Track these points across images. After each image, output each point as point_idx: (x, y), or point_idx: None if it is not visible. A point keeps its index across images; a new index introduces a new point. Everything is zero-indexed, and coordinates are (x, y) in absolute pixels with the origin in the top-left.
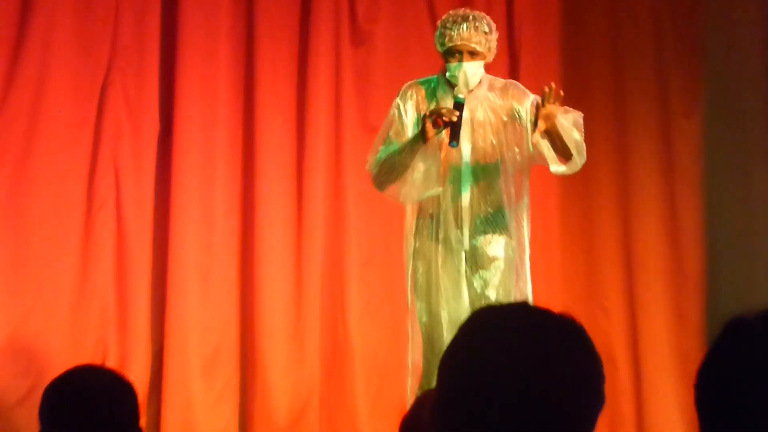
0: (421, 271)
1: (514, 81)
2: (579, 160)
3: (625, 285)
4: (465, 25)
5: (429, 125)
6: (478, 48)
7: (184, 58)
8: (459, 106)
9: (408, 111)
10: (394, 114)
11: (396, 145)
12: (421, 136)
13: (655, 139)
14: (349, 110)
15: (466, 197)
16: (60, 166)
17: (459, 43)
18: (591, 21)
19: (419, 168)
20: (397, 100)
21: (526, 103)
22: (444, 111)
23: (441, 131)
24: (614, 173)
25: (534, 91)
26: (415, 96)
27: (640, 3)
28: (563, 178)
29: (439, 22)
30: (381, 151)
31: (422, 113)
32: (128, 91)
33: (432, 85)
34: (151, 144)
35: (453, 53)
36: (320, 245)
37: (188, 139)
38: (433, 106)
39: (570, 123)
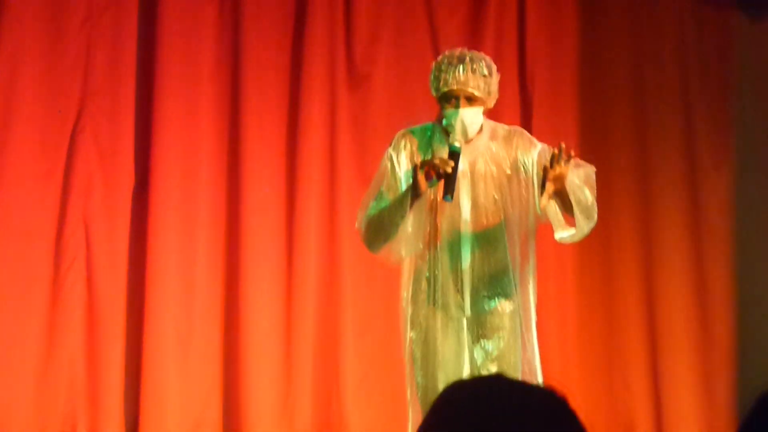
0: (417, 341)
1: (519, 128)
2: (587, 224)
3: (647, 353)
4: (461, 68)
5: (421, 177)
6: (476, 93)
7: (163, 103)
8: (455, 155)
9: (401, 162)
10: (385, 166)
11: (387, 200)
12: (413, 190)
13: (682, 192)
14: (345, 161)
15: (466, 259)
16: (25, 221)
17: (455, 87)
18: (611, 63)
19: (409, 223)
20: (389, 150)
21: (532, 154)
22: (437, 161)
23: (434, 184)
24: (636, 230)
25: (548, 140)
26: (409, 146)
27: (665, 45)
28: None
29: (433, 64)
30: (371, 207)
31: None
32: (100, 138)
33: (428, 134)
34: (125, 197)
35: (449, 98)
36: (312, 313)
37: (166, 192)
38: (429, 153)
39: (581, 180)
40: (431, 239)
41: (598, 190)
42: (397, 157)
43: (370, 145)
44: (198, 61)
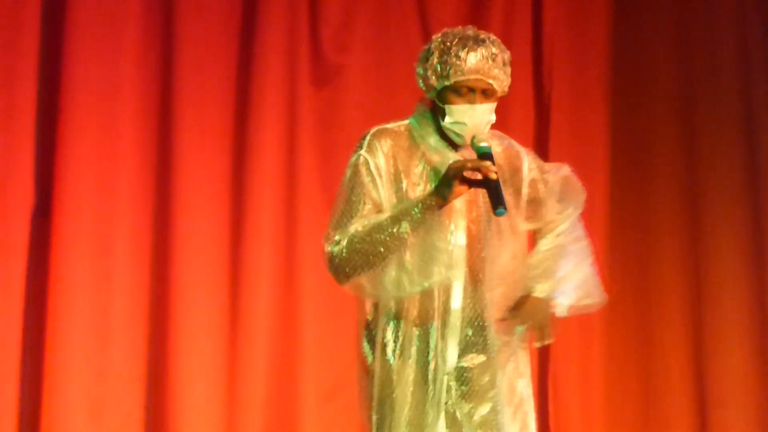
0: (381, 401)
1: (498, 133)
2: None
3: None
4: (481, 52)
5: (459, 185)
6: (495, 85)
7: (70, 105)
8: (488, 158)
9: (381, 167)
10: (360, 173)
11: (378, 217)
12: (441, 198)
13: (739, 207)
14: (308, 175)
15: (457, 297)
16: None
17: (472, 77)
18: (650, 53)
19: (423, 243)
20: (362, 153)
21: (522, 170)
22: (486, 165)
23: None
24: (682, 248)
25: (571, 150)
26: (386, 148)
27: (721, 43)
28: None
29: (432, 44)
30: (352, 227)
31: (405, 169)
32: None
33: (411, 134)
34: (23, 223)
35: (459, 90)
36: (263, 374)
37: (74, 217)
38: (416, 163)
39: (559, 209)
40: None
41: (636, 206)
42: (374, 161)
43: (341, 155)
44: (117, 48)
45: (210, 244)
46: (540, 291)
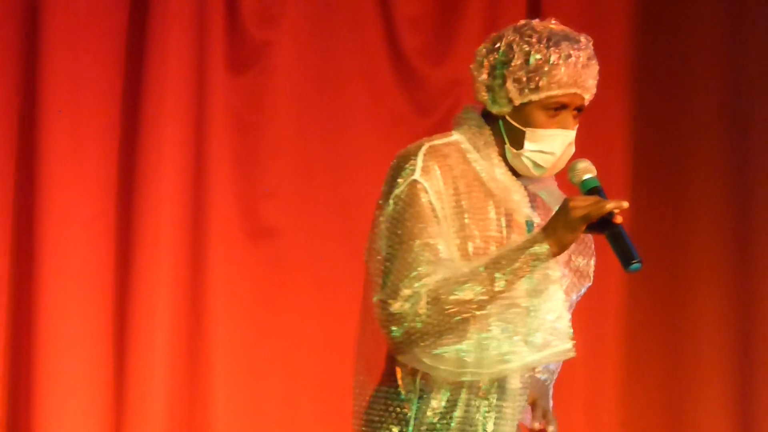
0: None
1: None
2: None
3: None
4: (579, 56)
5: (582, 228)
6: (588, 100)
7: None
8: (600, 193)
9: (442, 195)
10: (420, 204)
11: (457, 263)
12: (558, 246)
13: None
14: (220, 192)
15: (516, 379)
16: None
17: (570, 91)
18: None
19: (528, 306)
20: (417, 177)
21: None
22: (618, 205)
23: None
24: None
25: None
26: (447, 172)
27: None
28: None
29: (507, 41)
30: (429, 275)
31: (468, 203)
32: None
33: (466, 156)
34: None
35: (547, 108)
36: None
37: None
38: (477, 195)
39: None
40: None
41: (665, 218)
42: (436, 189)
43: (267, 161)
44: None
45: (89, 289)
46: (539, 372)
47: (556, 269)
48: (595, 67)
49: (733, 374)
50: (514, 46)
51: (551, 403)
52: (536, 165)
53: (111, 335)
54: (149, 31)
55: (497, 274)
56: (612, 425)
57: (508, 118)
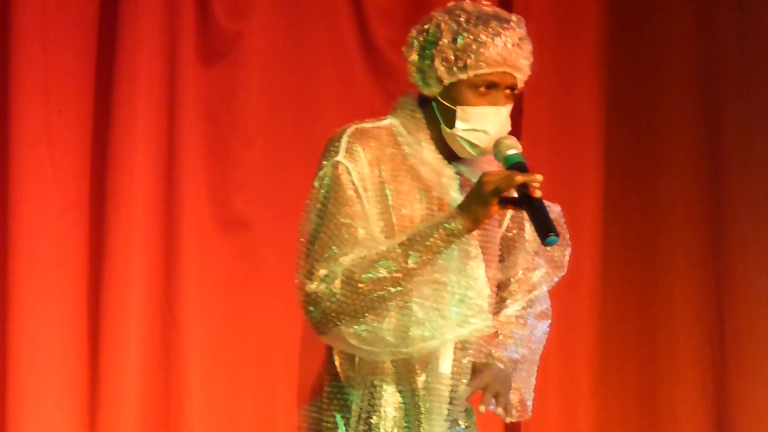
0: None
1: None
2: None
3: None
4: (509, 35)
5: (495, 205)
6: (521, 80)
7: None
8: (523, 169)
9: (366, 179)
10: (341, 185)
11: (374, 243)
12: (472, 221)
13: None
14: (192, 186)
15: (447, 359)
16: None
17: (499, 69)
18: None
19: (447, 281)
20: (340, 159)
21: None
22: (534, 178)
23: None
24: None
25: (551, 159)
26: (371, 153)
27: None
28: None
29: (436, 22)
30: (346, 255)
31: (392, 185)
32: None
33: (397, 139)
34: None
35: (477, 87)
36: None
37: None
38: (402, 178)
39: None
40: None
41: (638, 214)
42: (358, 171)
43: (239, 153)
44: None
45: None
46: (503, 362)
47: (476, 246)
48: (527, 48)
49: (707, 362)
50: (443, 26)
51: (514, 390)
52: (472, 144)
53: (84, 326)
54: (120, 22)
55: (411, 251)
56: (587, 413)
57: (439, 98)
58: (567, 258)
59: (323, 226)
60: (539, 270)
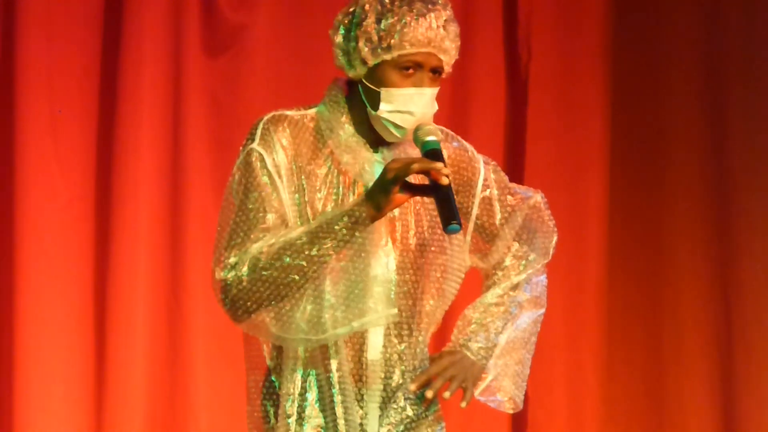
0: None
1: (452, 133)
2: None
3: None
4: (434, 17)
5: (398, 193)
6: (447, 62)
7: None
8: (437, 155)
9: (280, 165)
10: (254, 172)
11: (283, 231)
12: (374, 208)
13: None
14: (197, 177)
15: (375, 346)
16: None
17: (424, 50)
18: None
19: (351, 269)
20: (254, 146)
21: (476, 184)
22: (437, 166)
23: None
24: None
25: (558, 158)
26: (287, 139)
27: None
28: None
29: (361, 4)
30: (255, 242)
31: (307, 170)
32: None
33: (319, 125)
34: None
35: (402, 68)
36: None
37: None
38: (321, 163)
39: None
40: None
41: (644, 208)
42: (272, 158)
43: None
44: None
45: (68, 270)
46: (472, 351)
47: (382, 233)
48: (452, 30)
49: (714, 354)
50: (368, 7)
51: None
52: (396, 126)
53: (90, 318)
54: (125, 14)
55: (316, 239)
56: (593, 405)
57: (364, 81)
58: (553, 245)
59: (234, 214)
60: (525, 258)
